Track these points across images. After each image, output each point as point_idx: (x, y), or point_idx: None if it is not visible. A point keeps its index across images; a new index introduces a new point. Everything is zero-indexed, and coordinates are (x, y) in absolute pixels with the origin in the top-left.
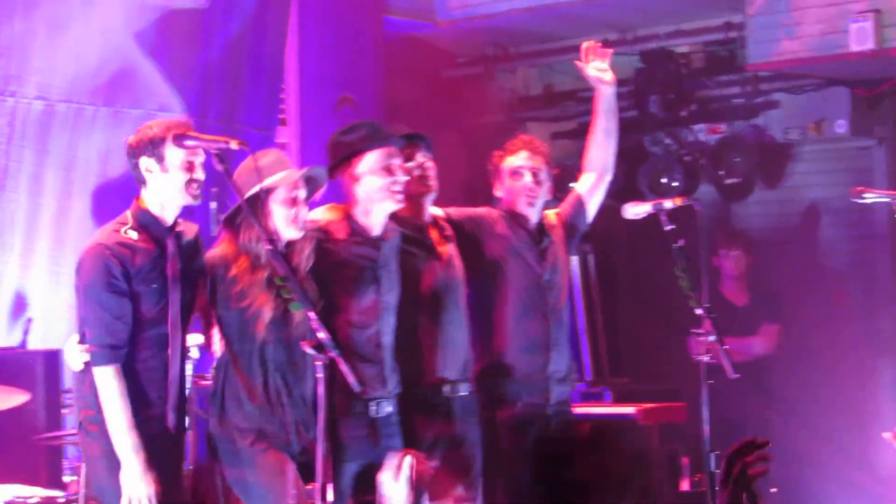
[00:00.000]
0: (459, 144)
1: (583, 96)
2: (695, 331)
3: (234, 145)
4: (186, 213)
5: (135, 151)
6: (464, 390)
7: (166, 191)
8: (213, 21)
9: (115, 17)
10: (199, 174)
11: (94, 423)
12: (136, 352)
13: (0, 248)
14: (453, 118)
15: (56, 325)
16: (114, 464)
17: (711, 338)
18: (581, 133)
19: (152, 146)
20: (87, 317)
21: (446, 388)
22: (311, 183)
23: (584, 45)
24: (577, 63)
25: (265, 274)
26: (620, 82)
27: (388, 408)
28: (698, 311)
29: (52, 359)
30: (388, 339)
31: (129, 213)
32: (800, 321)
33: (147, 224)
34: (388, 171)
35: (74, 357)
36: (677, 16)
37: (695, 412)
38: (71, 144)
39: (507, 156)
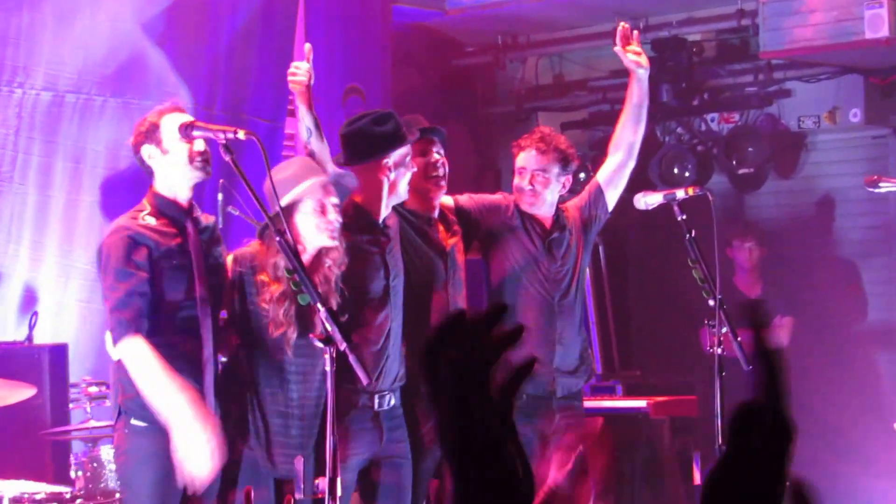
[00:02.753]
0: (468, 134)
1: (593, 86)
2: (708, 322)
3: (241, 135)
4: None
5: (135, 146)
6: None
7: (173, 172)
8: (221, 10)
9: (124, 7)
10: (199, 145)
11: (129, 411)
12: (168, 336)
13: (8, 240)
14: (462, 108)
15: (65, 318)
16: (144, 457)
17: (724, 329)
18: (591, 123)
19: (147, 134)
20: (107, 295)
21: None
22: (339, 188)
23: (619, 28)
24: (615, 49)
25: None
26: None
27: (392, 400)
28: (711, 303)
29: (60, 353)
30: (396, 326)
31: (145, 201)
32: (813, 313)
33: (164, 208)
34: (412, 166)
35: (111, 346)
36: (689, 3)
37: (707, 405)
38: (79, 136)
39: (517, 151)
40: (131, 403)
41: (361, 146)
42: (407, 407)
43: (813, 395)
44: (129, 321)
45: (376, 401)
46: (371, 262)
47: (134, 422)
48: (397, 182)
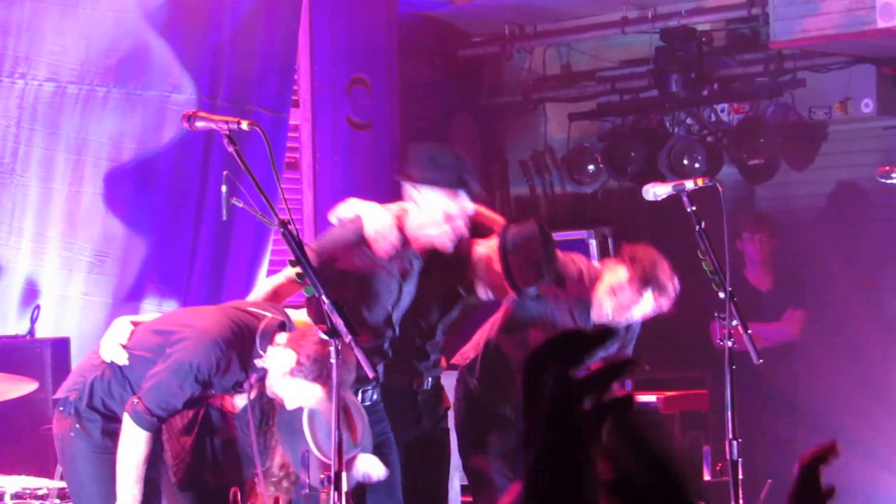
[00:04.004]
0: (475, 125)
1: (602, 76)
2: (718, 315)
3: (245, 125)
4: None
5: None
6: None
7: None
8: (224, 1)
9: None
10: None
11: (83, 414)
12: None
13: (10, 233)
14: (469, 98)
15: (67, 312)
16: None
17: (735, 322)
18: (600, 114)
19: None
20: (161, 380)
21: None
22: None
23: None
24: None
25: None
26: (640, 61)
27: (374, 395)
28: (721, 295)
29: (62, 347)
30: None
31: (263, 324)
32: (825, 305)
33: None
34: (450, 218)
35: (112, 345)
36: None
37: (717, 399)
38: (82, 127)
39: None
40: (88, 412)
41: (447, 172)
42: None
43: (825, 390)
44: (158, 419)
45: (359, 395)
46: (388, 286)
47: (80, 428)
48: (428, 224)
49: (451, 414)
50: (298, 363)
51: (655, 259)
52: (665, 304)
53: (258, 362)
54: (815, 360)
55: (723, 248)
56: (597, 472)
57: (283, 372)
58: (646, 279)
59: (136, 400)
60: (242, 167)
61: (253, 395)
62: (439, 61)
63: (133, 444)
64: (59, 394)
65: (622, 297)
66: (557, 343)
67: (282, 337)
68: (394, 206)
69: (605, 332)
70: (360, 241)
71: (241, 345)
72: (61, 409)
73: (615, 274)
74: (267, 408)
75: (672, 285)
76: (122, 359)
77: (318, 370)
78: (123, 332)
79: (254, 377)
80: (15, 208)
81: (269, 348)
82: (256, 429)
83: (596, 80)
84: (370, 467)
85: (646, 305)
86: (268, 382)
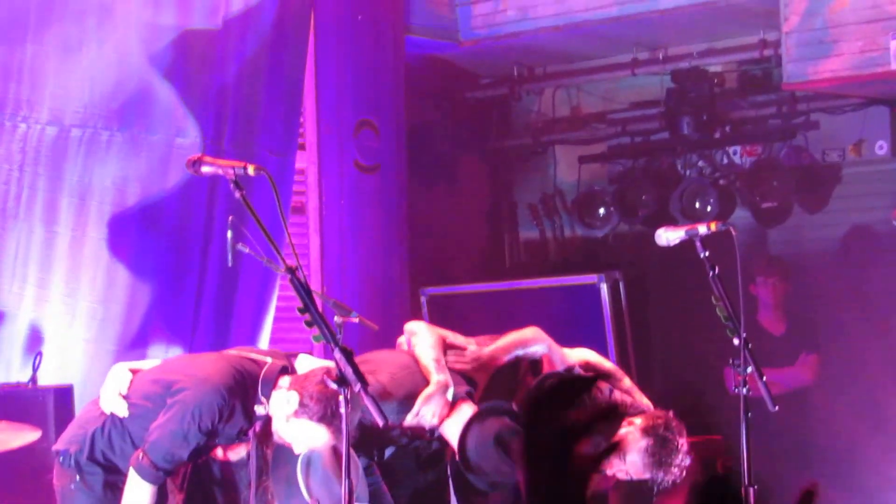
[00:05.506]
0: (483, 167)
1: (612, 118)
2: (733, 362)
3: (251, 171)
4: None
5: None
6: None
7: (280, 424)
8: (229, 42)
9: (130, 39)
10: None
11: (83, 466)
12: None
13: (13, 278)
14: (477, 141)
15: (70, 359)
16: None
17: (750, 369)
18: (610, 156)
19: (310, 410)
20: (165, 433)
21: None
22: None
23: None
24: None
25: None
26: (651, 103)
27: None
28: (736, 342)
29: (65, 395)
30: None
31: (265, 370)
32: (840, 350)
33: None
34: None
35: (112, 395)
36: (710, 33)
37: (732, 445)
38: (85, 171)
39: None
40: (88, 465)
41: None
42: None
43: (839, 435)
44: (164, 472)
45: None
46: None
47: (80, 481)
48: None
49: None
50: (302, 404)
51: (670, 437)
52: (667, 480)
53: (259, 409)
54: (828, 404)
55: (737, 293)
56: None
57: (287, 414)
58: (657, 460)
59: (140, 454)
60: (249, 212)
61: (251, 448)
62: (447, 103)
63: (139, 498)
64: (60, 445)
65: (630, 462)
66: (551, 393)
67: (285, 380)
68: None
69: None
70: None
71: (244, 392)
72: (62, 461)
73: (629, 437)
74: (261, 462)
75: (678, 468)
76: (122, 410)
77: (323, 410)
78: (123, 382)
79: (258, 425)
80: (18, 254)
81: (273, 393)
82: (255, 482)
83: (606, 122)
84: None
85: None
86: (274, 426)
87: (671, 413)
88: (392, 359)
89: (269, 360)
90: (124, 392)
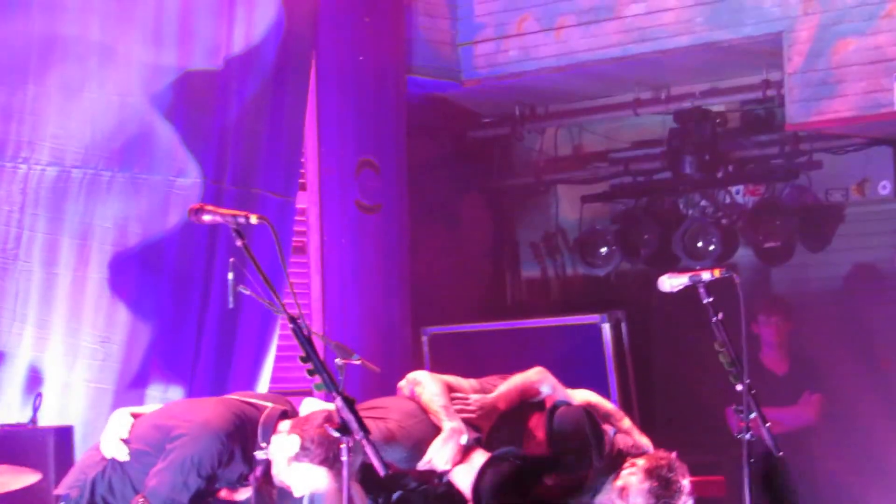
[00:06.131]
0: (486, 207)
1: (614, 157)
2: (736, 408)
3: (253, 220)
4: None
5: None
6: None
7: (280, 470)
8: (230, 82)
9: (131, 80)
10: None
11: None
12: None
13: (13, 319)
14: (479, 180)
15: (71, 399)
16: None
17: (753, 415)
18: (613, 195)
19: (310, 454)
20: (165, 479)
21: None
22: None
23: None
24: None
25: None
26: (654, 142)
27: None
28: (739, 388)
29: (65, 436)
30: None
31: (264, 416)
32: (843, 390)
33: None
34: None
35: (112, 440)
36: (713, 73)
37: (734, 485)
38: (86, 211)
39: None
40: None
41: None
42: None
43: (842, 475)
44: None
45: None
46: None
47: None
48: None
49: None
50: (303, 447)
51: (673, 479)
52: None
53: (260, 454)
54: (829, 447)
55: (739, 337)
56: None
57: (288, 457)
58: (661, 502)
59: (141, 500)
60: (249, 260)
61: (252, 493)
62: (449, 142)
63: None
64: (61, 490)
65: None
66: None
67: (284, 424)
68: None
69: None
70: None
71: (243, 436)
72: None
73: (632, 479)
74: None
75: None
76: (122, 455)
77: (324, 453)
78: (124, 426)
79: (258, 469)
80: (18, 294)
81: (273, 437)
82: None
83: (609, 161)
84: None
85: None
86: (274, 471)
87: (674, 454)
88: (400, 406)
89: (269, 404)
90: (125, 436)
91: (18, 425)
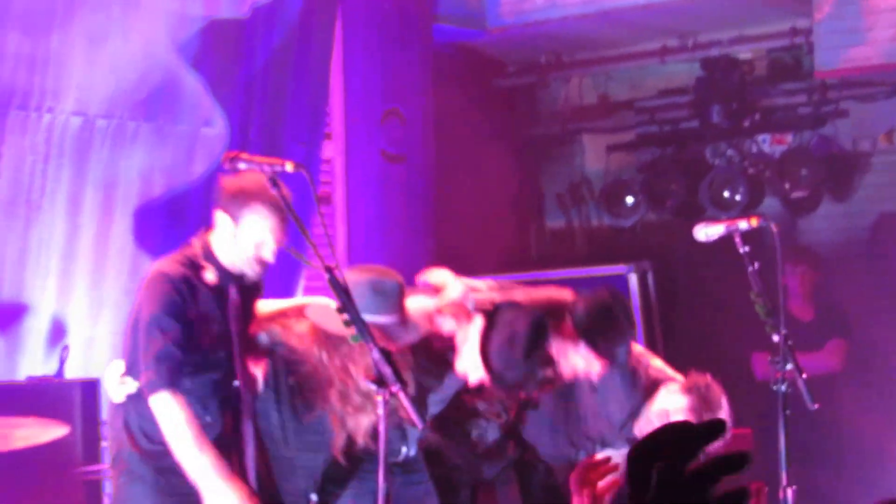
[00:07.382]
0: (510, 156)
1: (640, 106)
2: (773, 359)
3: (289, 167)
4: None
5: (217, 197)
6: None
7: (231, 253)
8: (256, 32)
9: (157, 29)
10: (269, 256)
11: (127, 460)
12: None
13: (36, 271)
14: (504, 129)
15: (96, 352)
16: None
17: (789, 366)
18: (639, 145)
19: (233, 203)
20: (144, 341)
21: None
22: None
23: None
24: None
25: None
26: (681, 91)
27: (410, 451)
28: (776, 338)
29: (91, 389)
30: None
31: (196, 245)
32: (870, 339)
33: (212, 264)
34: None
35: (115, 387)
36: (740, 21)
37: (761, 438)
38: (111, 162)
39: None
40: (132, 456)
41: None
42: None
43: (864, 423)
44: (168, 373)
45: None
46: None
47: (131, 473)
48: None
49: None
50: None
51: (712, 397)
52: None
53: (209, 275)
54: (854, 392)
55: (775, 288)
56: None
57: (231, 233)
58: (700, 413)
59: (141, 377)
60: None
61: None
62: (474, 91)
63: (173, 421)
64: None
65: (673, 417)
66: (666, 437)
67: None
68: None
69: (717, 428)
70: None
71: (191, 267)
72: (112, 461)
73: (671, 399)
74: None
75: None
76: (129, 388)
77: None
78: (118, 369)
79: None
80: (42, 246)
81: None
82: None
83: (634, 110)
84: None
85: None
86: (225, 261)
87: (708, 375)
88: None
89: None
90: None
91: (45, 378)
